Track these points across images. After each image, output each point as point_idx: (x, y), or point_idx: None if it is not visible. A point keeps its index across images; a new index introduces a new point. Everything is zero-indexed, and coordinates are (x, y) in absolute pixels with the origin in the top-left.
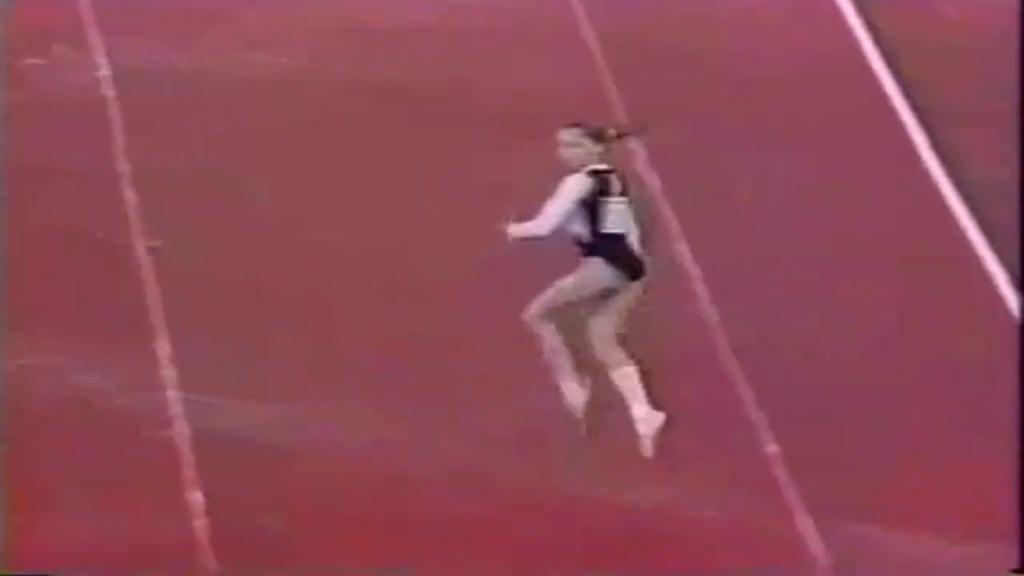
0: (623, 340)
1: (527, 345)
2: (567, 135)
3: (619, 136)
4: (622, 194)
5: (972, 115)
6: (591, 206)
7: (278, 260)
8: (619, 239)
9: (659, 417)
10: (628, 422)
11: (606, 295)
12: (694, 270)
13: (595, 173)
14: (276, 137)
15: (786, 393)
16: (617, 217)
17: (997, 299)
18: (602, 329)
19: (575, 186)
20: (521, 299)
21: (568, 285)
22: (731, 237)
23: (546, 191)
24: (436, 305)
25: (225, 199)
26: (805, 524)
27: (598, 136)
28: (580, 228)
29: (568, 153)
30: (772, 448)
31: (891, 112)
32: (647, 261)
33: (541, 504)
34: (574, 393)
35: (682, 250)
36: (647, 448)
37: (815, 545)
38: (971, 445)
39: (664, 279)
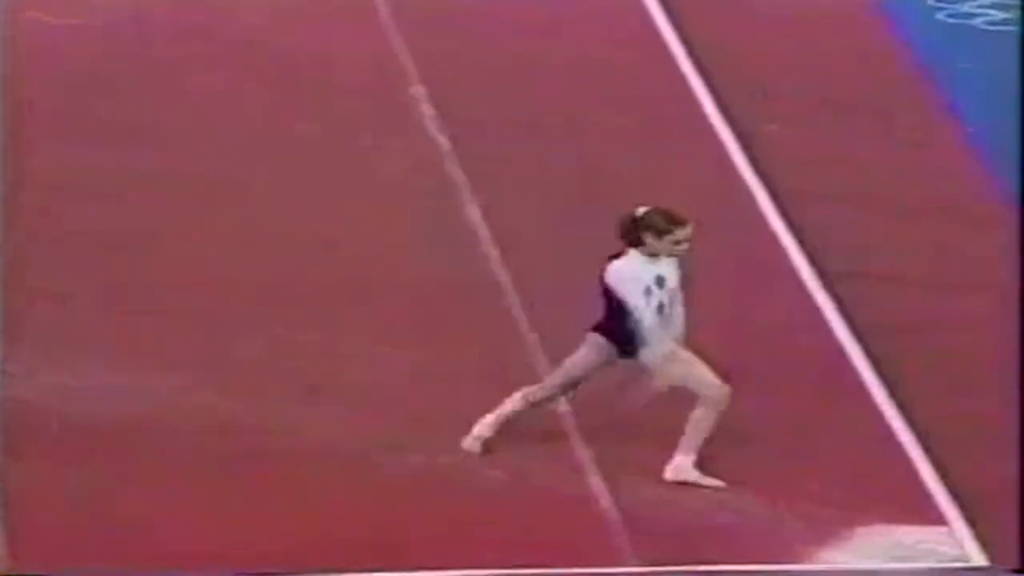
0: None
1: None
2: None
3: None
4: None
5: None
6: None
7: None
8: None
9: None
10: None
11: None
12: (484, 231)
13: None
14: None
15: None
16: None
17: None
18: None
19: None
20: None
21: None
22: (521, 200)
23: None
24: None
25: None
26: (595, 483)
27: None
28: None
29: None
30: (562, 407)
31: (689, 94)
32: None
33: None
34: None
35: (473, 211)
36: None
37: (605, 502)
38: (761, 404)
39: (455, 241)
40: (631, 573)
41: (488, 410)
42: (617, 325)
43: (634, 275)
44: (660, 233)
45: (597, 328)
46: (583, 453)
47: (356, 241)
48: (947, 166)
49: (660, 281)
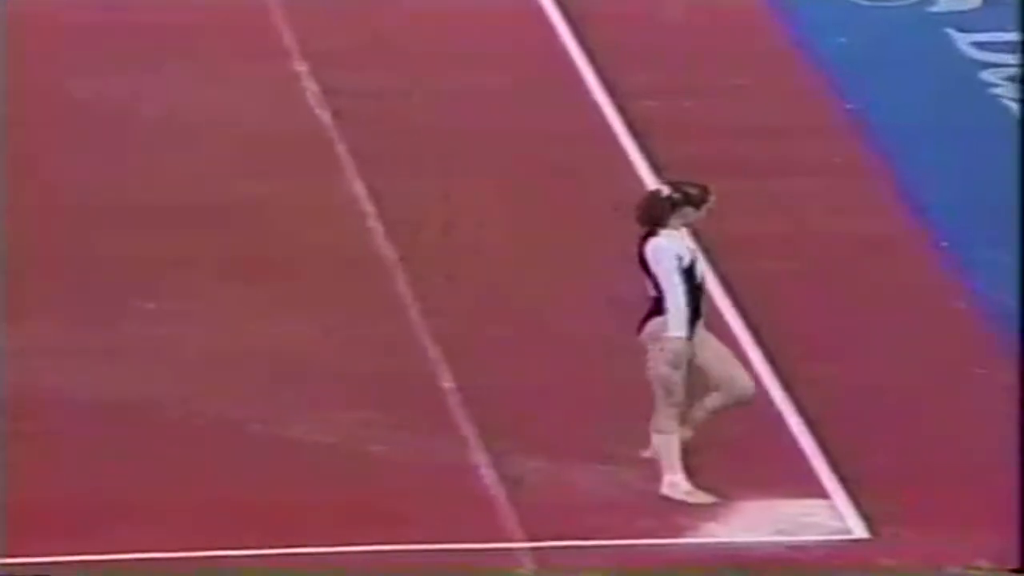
0: None
1: None
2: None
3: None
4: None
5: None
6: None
7: None
8: None
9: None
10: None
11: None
12: (369, 207)
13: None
14: None
15: (463, 329)
16: None
17: None
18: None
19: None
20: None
21: None
22: (405, 176)
23: None
24: None
25: None
26: (480, 458)
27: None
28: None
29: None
30: (448, 383)
31: (567, 58)
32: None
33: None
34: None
35: (357, 187)
36: None
37: (489, 478)
38: (623, 372)
39: (342, 218)
40: (515, 548)
41: (364, 386)
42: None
43: (676, 252)
44: (699, 203)
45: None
46: (468, 428)
47: (244, 215)
48: (823, 134)
49: (695, 252)
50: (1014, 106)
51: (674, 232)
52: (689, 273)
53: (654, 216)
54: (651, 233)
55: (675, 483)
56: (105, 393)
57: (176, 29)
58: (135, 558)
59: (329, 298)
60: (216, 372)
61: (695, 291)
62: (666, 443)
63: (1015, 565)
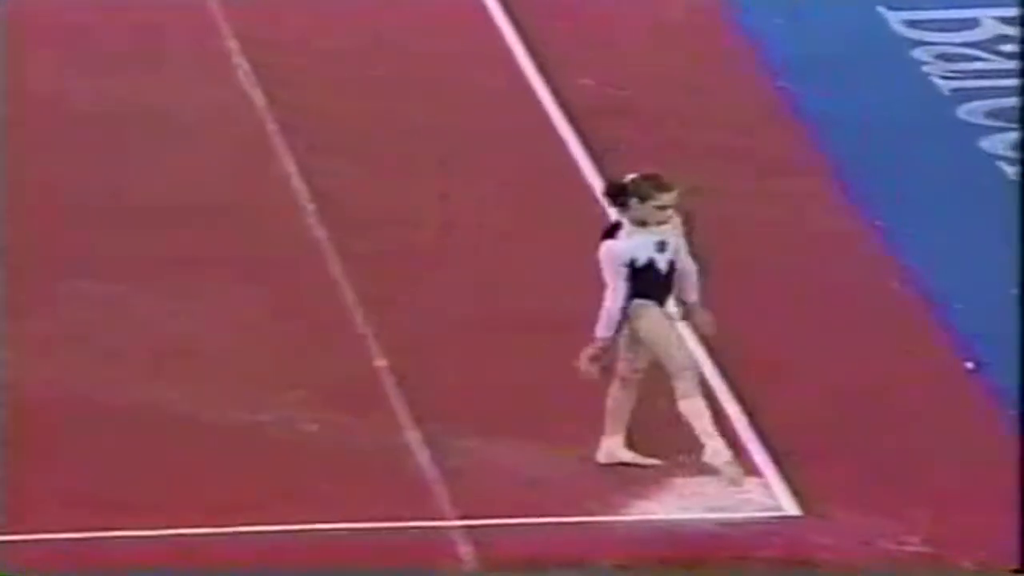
0: None
1: None
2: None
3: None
4: None
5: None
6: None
7: None
8: None
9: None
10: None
11: None
12: (303, 190)
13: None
14: None
15: (395, 309)
16: None
17: None
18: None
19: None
20: None
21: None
22: (337, 156)
23: None
24: None
25: None
26: (413, 437)
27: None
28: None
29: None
30: (379, 362)
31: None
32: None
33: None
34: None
35: (288, 167)
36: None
37: (423, 457)
38: (563, 351)
39: (272, 198)
40: (448, 527)
41: (297, 365)
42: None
43: (623, 257)
44: (643, 199)
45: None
46: (402, 408)
47: (177, 198)
48: (756, 118)
49: (662, 246)
50: (943, 84)
51: (638, 229)
52: (649, 269)
53: (609, 198)
54: (610, 232)
55: (718, 450)
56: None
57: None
58: (32, 539)
59: (261, 280)
60: (143, 356)
61: (657, 285)
62: (694, 409)
63: (1015, 565)
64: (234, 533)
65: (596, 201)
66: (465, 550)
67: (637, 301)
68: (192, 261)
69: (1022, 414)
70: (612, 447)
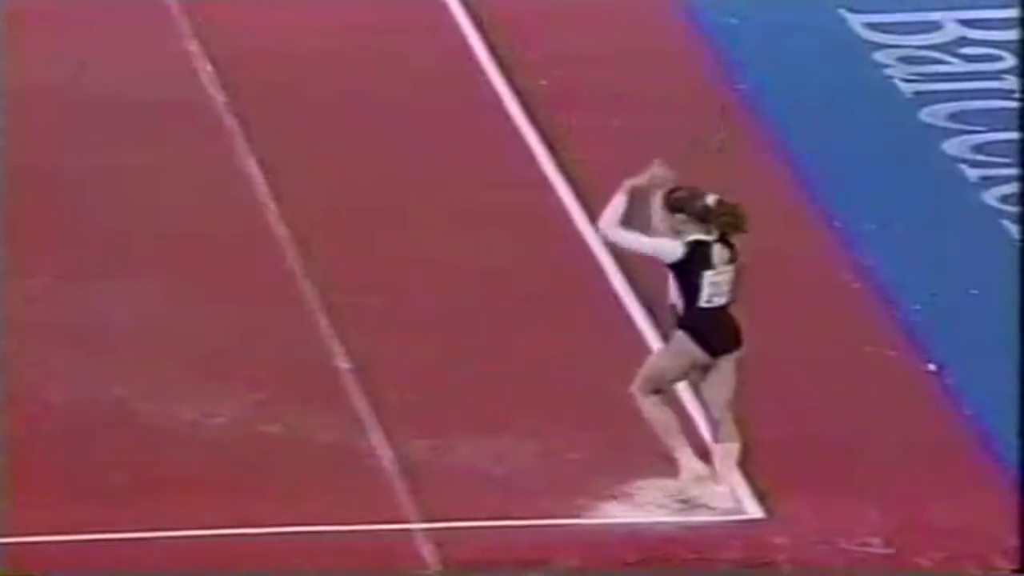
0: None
1: None
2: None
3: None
4: (730, 261)
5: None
6: (686, 277)
7: None
8: (713, 312)
9: (725, 494)
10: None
11: (707, 367)
12: (261, 187)
13: (698, 244)
14: None
15: (357, 309)
16: (717, 289)
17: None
18: (713, 397)
19: (668, 246)
20: None
21: (662, 362)
22: (298, 154)
23: None
24: None
25: None
26: (376, 438)
27: (702, 216)
28: (676, 298)
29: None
30: (343, 364)
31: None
32: (741, 334)
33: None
34: (693, 467)
35: (250, 166)
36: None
37: (386, 458)
38: (541, 353)
39: (232, 195)
40: (411, 529)
41: (258, 365)
42: None
43: (672, 250)
44: (683, 210)
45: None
46: (364, 409)
47: (137, 193)
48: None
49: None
50: (905, 87)
51: (693, 240)
52: (688, 285)
53: None
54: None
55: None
56: None
57: None
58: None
59: (222, 276)
60: (101, 350)
61: (697, 312)
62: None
63: (1016, 565)
64: (193, 536)
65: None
66: (427, 551)
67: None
68: (137, 245)
69: (1021, 422)
70: (696, 469)
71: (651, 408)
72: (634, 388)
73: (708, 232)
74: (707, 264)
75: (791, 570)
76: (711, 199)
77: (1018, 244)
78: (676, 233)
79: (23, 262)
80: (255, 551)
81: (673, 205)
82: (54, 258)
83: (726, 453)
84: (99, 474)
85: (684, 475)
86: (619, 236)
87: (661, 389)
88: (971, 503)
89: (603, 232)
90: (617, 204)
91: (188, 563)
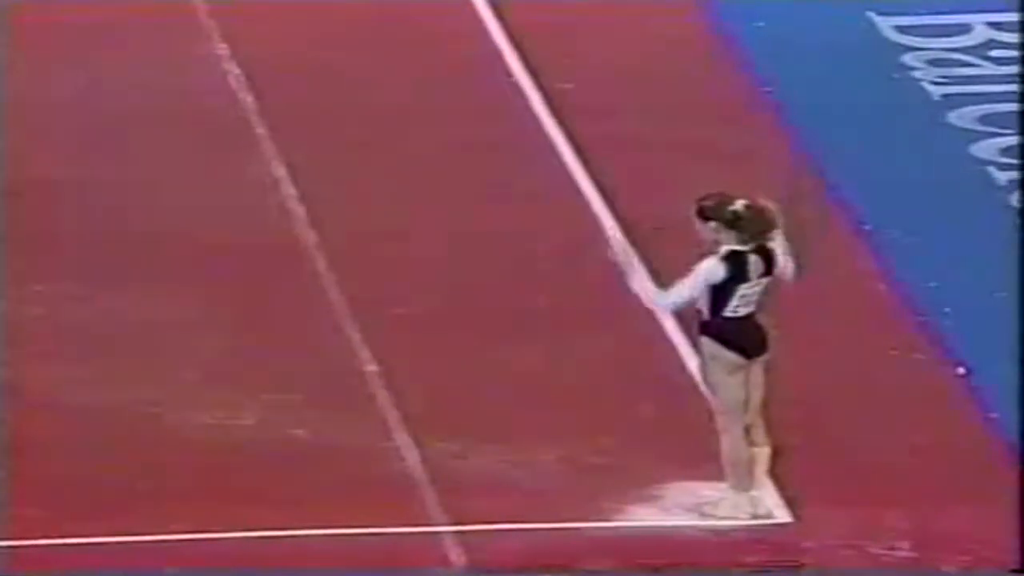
0: None
1: None
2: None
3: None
4: (766, 272)
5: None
6: (719, 289)
7: None
8: (736, 321)
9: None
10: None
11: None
12: (289, 191)
13: (733, 255)
14: None
15: (384, 312)
16: (745, 301)
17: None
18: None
19: (705, 272)
20: None
21: (720, 384)
22: (326, 158)
23: None
24: None
25: None
26: (403, 441)
27: (731, 221)
28: (702, 304)
29: (704, 233)
30: (369, 367)
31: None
32: (768, 338)
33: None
34: (739, 505)
35: (278, 170)
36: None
37: (412, 461)
38: (554, 361)
39: (260, 201)
40: (438, 532)
41: (285, 369)
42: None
43: (707, 276)
44: (719, 219)
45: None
46: (390, 413)
47: (166, 198)
48: (743, 125)
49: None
50: (933, 89)
51: (728, 252)
52: (717, 296)
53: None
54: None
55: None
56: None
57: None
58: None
59: (250, 282)
60: (133, 357)
61: (720, 320)
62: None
63: (1015, 566)
64: (221, 539)
65: (586, 204)
66: (455, 555)
67: None
68: (179, 263)
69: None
70: (738, 512)
71: (735, 444)
72: (720, 428)
73: (742, 240)
74: (743, 278)
75: (816, 570)
76: (739, 204)
77: None
78: (715, 243)
79: (51, 269)
80: (280, 553)
81: (703, 214)
82: (82, 265)
83: (756, 458)
84: (123, 478)
85: (725, 505)
86: (672, 299)
87: (745, 423)
88: (999, 508)
89: (659, 307)
90: (640, 278)
91: (213, 566)
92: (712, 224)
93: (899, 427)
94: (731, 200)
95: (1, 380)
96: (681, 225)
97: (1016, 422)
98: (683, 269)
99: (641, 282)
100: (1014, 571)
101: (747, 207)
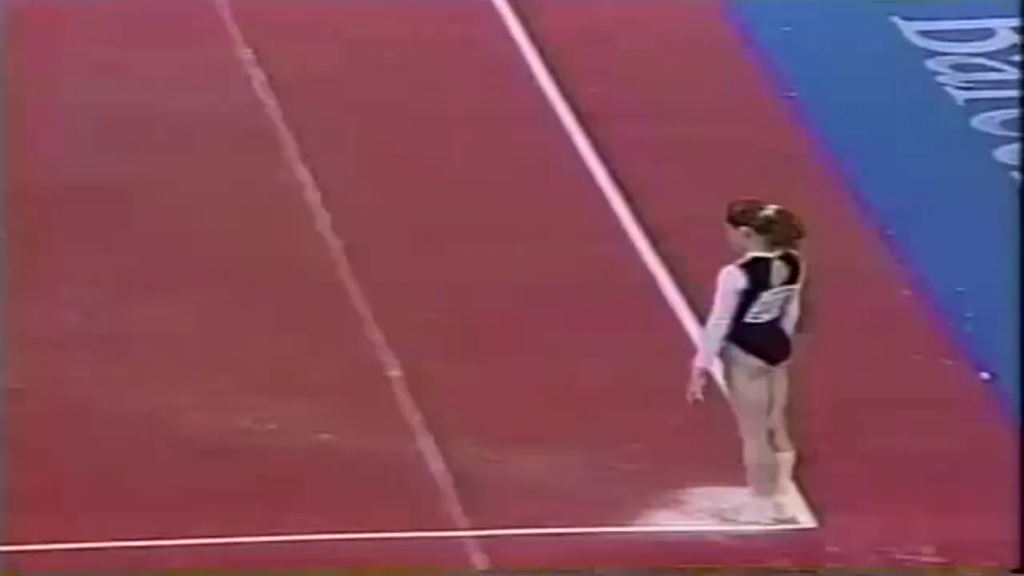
0: None
1: None
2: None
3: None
4: (789, 281)
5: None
6: (741, 295)
7: None
8: (757, 327)
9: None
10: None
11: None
12: (314, 197)
13: (756, 262)
14: None
15: (408, 319)
16: (767, 307)
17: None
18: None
19: (730, 284)
20: None
21: (742, 392)
22: (349, 164)
23: None
24: None
25: None
26: (426, 445)
27: (763, 227)
28: None
29: (733, 238)
30: (394, 373)
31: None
32: (792, 342)
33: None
34: (761, 509)
35: (303, 175)
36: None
37: (436, 465)
38: (585, 365)
39: (285, 206)
40: (463, 537)
41: (311, 374)
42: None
43: (736, 286)
44: (747, 224)
45: None
46: (413, 416)
47: (192, 203)
48: (765, 128)
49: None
50: (957, 94)
51: (750, 259)
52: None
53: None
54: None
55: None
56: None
57: None
58: (75, 547)
59: (275, 287)
60: (160, 363)
61: (741, 326)
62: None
63: (1016, 566)
64: (245, 543)
65: (606, 206)
66: (479, 559)
67: None
68: (201, 267)
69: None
70: (761, 515)
71: (758, 449)
72: (744, 433)
73: (770, 247)
74: (764, 285)
75: (839, 570)
76: (771, 209)
77: None
78: (742, 249)
79: (75, 272)
80: (306, 558)
81: (734, 219)
82: (108, 271)
83: (780, 463)
84: (148, 483)
85: (748, 510)
86: (716, 332)
87: (768, 428)
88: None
89: (713, 343)
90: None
91: (238, 569)
92: (743, 229)
93: (924, 432)
94: (762, 206)
95: (22, 384)
96: (706, 225)
97: None
98: (705, 268)
99: (703, 359)
100: (1014, 571)
101: (779, 212)
